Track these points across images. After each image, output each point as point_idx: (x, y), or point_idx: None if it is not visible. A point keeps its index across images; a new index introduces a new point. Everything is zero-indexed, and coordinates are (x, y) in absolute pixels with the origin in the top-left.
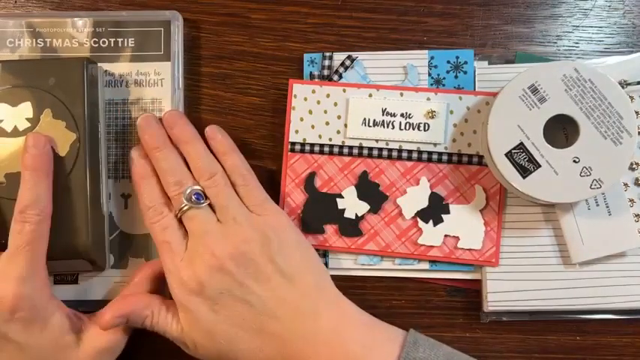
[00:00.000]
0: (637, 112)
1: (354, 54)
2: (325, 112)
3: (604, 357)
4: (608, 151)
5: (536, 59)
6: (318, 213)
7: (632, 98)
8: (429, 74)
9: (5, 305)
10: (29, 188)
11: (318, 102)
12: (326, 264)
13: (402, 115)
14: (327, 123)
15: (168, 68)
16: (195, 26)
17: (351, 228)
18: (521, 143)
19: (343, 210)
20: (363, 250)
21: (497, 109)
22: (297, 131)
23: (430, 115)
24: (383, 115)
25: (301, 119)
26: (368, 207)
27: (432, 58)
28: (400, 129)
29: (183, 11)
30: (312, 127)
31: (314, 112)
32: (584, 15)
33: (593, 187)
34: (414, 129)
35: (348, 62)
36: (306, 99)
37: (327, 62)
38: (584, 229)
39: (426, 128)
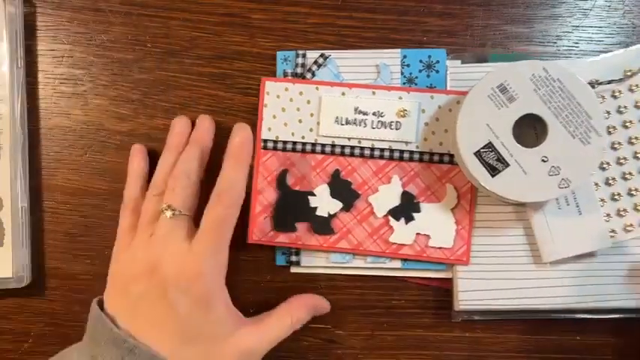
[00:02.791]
0: (609, 112)
1: (326, 52)
2: (298, 109)
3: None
4: (576, 151)
5: (510, 58)
6: (290, 211)
7: (603, 98)
8: (402, 73)
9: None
10: (228, 174)
11: (291, 100)
12: (298, 262)
13: (374, 113)
14: (300, 121)
15: (4, 48)
16: (195, 26)
17: (323, 226)
18: (490, 142)
19: (315, 208)
20: (335, 248)
21: (466, 109)
22: (269, 129)
23: (402, 113)
24: (355, 113)
25: (274, 117)
26: (340, 205)
27: (404, 57)
28: (372, 127)
29: (183, 11)
30: (285, 124)
31: (287, 109)
32: (584, 15)
33: (561, 186)
34: (385, 127)
35: (321, 60)
36: (278, 96)
37: (300, 60)
38: (554, 229)
39: (398, 127)
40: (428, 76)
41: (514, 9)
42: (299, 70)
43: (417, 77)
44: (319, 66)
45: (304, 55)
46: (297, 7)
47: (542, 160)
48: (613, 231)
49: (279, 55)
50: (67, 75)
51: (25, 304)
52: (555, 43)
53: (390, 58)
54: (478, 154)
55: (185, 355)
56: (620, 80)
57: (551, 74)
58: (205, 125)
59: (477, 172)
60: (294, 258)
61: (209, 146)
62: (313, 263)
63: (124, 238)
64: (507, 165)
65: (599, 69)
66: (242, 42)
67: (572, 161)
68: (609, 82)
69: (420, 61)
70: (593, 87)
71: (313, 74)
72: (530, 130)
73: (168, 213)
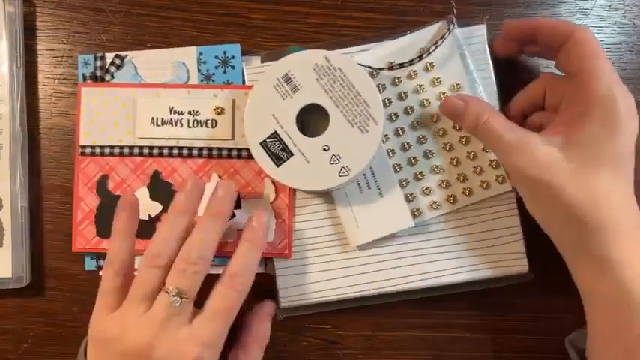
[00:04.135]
0: (406, 93)
1: (123, 53)
2: (115, 113)
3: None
4: (355, 139)
5: None
6: (112, 216)
7: (399, 79)
8: (199, 70)
9: None
10: (244, 256)
11: (107, 104)
12: (101, 267)
13: (189, 112)
14: (117, 124)
15: (4, 48)
16: (195, 26)
17: (144, 230)
18: (275, 132)
19: None
20: None
21: (253, 99)
22: (87, 134)
23: (217, 111)
24: (171, 113)
25: (91, 122)
26: (161, 207)
27: (200, 54)
28: (189, 127)
29: (183, 11)
30: (102, 129)
31: (104, 114)
32: (585, 15)
33: (341, 174)
34: (202, 126)
35: (118, 61)
36: (95, 101)
37: (99, 63)
38: (358, 213)
39: (214, 125)
40: (224, 72)
41: (514, 9)
42: (98, 72)
43: (214, 74)
44: (117, 67)
45: (103, 58)
46: (297, 7)
47: (324, 149)
48: (418, 210)
49: (80, 58)
50: (67, 75)
51: (24, 304)
52: None
53: (187, 55)
54: (264, 144)
55: None
56: (411, 62)
57: (333, 63)
58: (225, 193)
59: (263, 161)
60: (102, 262)
61: (227, 219)
62: None
63: (108, 298)
64: (291, 154)
65: (396, 52)
66: (242, 42)
67: (351, 150)
68: (401, 65)
69: (216, 57)
70: (391, 69)
71: (112, 76)
72: (325, 119)
73: (175, 299)
